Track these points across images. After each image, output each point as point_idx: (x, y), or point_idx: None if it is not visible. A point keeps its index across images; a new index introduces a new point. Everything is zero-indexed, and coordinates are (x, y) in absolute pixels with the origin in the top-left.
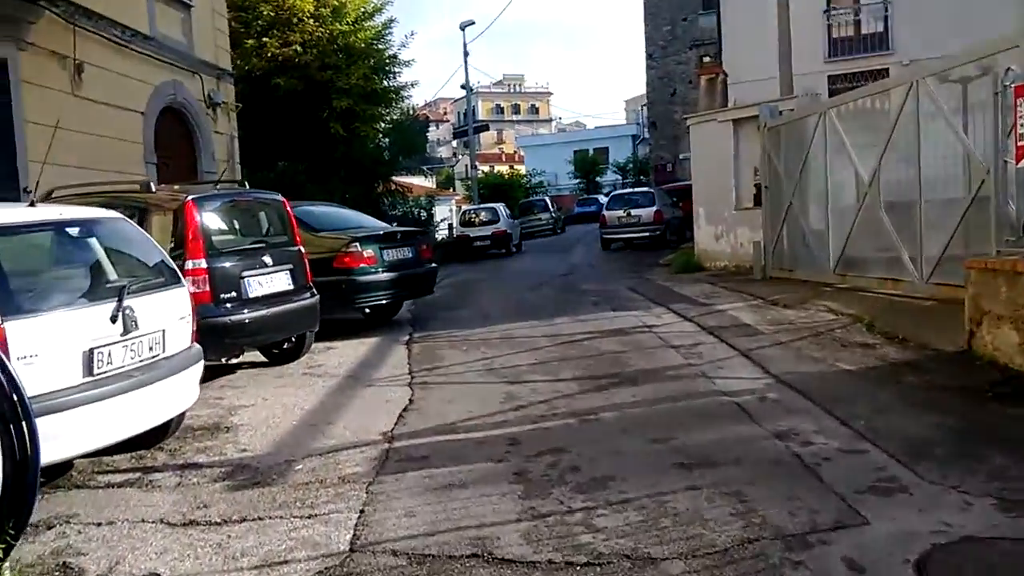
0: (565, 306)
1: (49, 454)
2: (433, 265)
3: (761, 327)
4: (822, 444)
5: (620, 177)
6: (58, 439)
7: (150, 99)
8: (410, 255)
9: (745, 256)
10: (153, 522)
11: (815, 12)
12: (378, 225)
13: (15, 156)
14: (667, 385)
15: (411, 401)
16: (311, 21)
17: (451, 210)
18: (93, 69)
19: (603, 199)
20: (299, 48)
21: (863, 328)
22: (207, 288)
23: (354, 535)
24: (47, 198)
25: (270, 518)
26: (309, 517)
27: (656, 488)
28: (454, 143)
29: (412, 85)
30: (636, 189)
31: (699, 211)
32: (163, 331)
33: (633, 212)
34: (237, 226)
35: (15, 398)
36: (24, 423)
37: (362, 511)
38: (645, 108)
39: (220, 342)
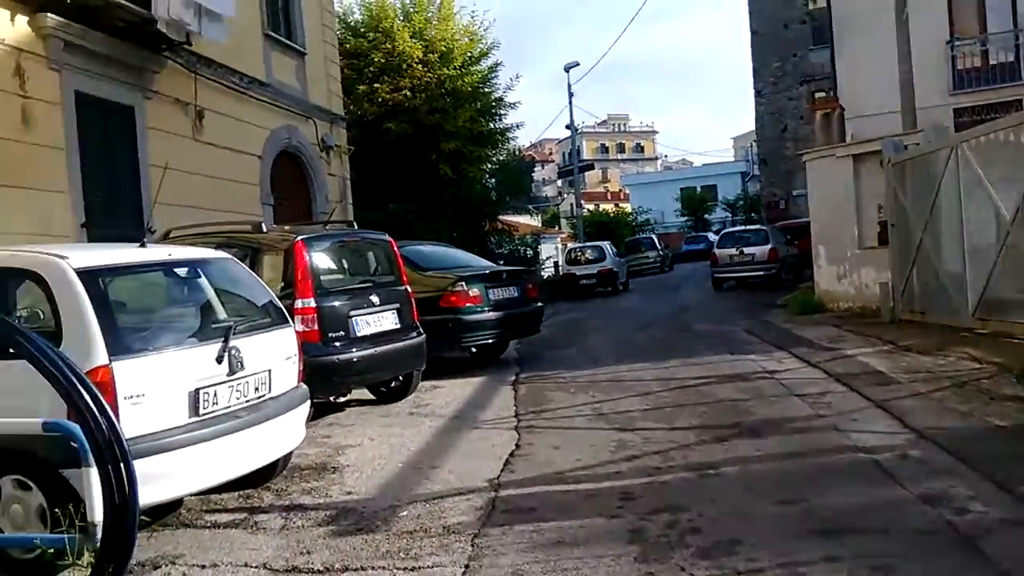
0: (677, 348)
1: (155, 494)
2: (539, 304)
3: (895, 375)
4: (980, 512)
5: (729, 214)
6: (164, 479)
7: (266, 143)
8: (516, 294)
9: (870, 297)
10: (256, 567)
11: (938, 44)
12: (484, 264)
13: (141, 198)
14: (794, 438)
15: (518, 446)
16: (420, 67)
17: (556, 248)
18: (213, 115)
19: (712, 237)
20: (408, 93)
21: (1013, 379)
22: (316, 327)
23: None
24: (164, 238)
25: (372, 568)
26: (412, 570)
27: (790, 557)
28: (559, 182)
29: (518, 126)
30: (749, 227)
31: (819, 250)
32: (269, 371)
33: (746, 250)
34: (345, 266)
35: (113, 440)
36: (122, 465)
37: (467, 567)
38: (754, 144)
39: (328, 381)
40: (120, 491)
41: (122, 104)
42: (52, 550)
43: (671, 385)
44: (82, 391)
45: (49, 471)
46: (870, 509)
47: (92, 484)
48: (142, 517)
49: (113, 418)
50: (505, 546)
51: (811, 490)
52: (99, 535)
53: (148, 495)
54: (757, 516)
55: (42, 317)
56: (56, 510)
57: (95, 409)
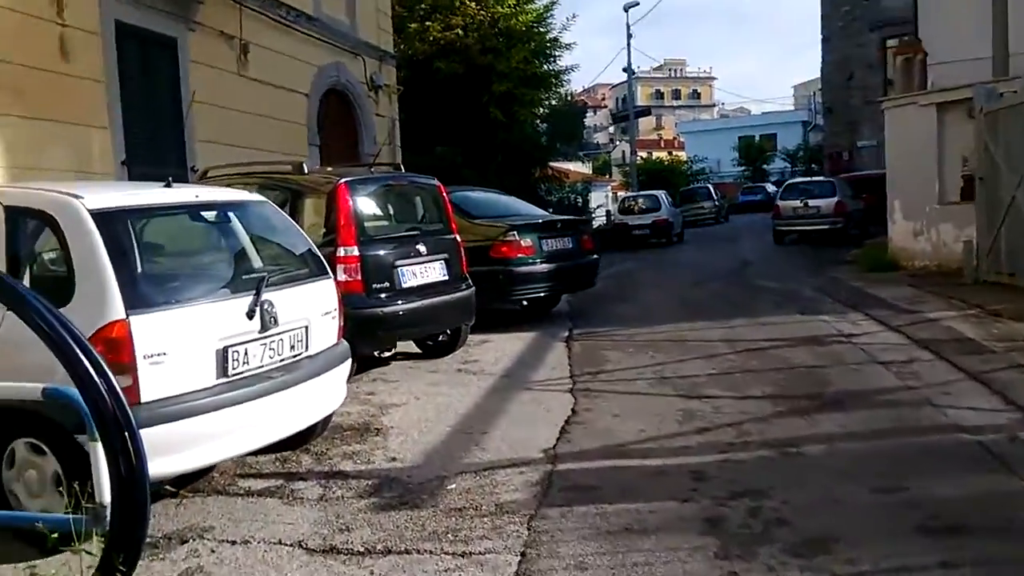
0: (741, 305)
1: (178, 464)
2: (595, 256)
3: (989, 344)
4: None
5: (789, 165)
6: (189, 448)
7: (313, 80)
8: (571, 245)
9: (950, 256)
10: (290, 545)
11: None
12: (537, 213)
13: (183, 135)
14: (883, 413)
15: (574, 412)
16: (472, 4)
17: (607, 197)
18: (258, 50)
19: (771, 188)
20: (460, 32)
21: None
22: (359, 277)
23: None
24: (202, 178)
25: (418, 552)
26: (462, 555)
27: (898, 560)
28: (611, 129)
29: (571, 69)
30: (814, 178)
31: (894, 204)
32: (306, 327)
33: (811, 203)
34: (391, 212)
35: (116, 410)
36: (127, 437)
37: (523, 554)
38: (818, 93)
39: (372, 335)
40: (127, 467)
41: (165, 36)
42: (56, 534)
43: (738, 347)
44: (80, 355)
45: (62, 436)
46: (984, 503)
47: (99, 459)
48: (168, 487)
49: (116, 385)
50: (565, 532)
51: (912, 476)
52: (108, 518)
53: (170, 465)
54: (852, 506)
55: (55, 264)
56: (74, 482)
57: (95, 375)
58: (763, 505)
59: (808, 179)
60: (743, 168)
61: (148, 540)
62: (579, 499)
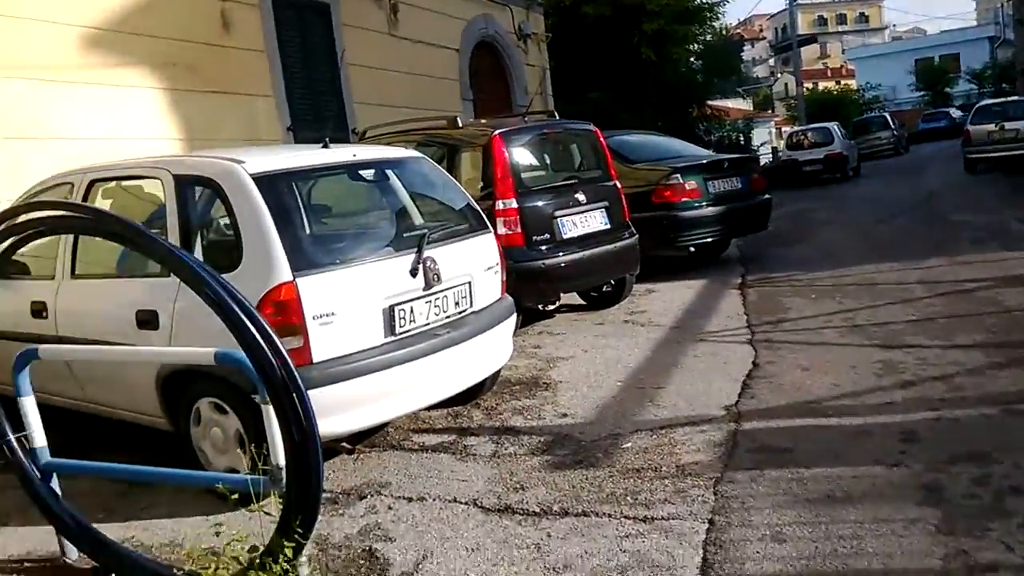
0: (934, 243)
1: (350, 423)
2: (766, 196)
3: None
4: None
5: (975, 87)
6: (360, 407)
7: (463, 34)
8: (739, 185)
9: None
10: (466, 503)
11: None
12: (701, 153)
13: (342, 98)
14: None
15: (756, 365)
16: None
17: (770, 133)
18: (407, 8)
19: (955, 113)
20: None
21: None
22: (519, 230)
23: (704, 559)
24: (361, 138)
25: (596, 515)
26: (643, 520)
27: None
28: (771, 61)
29: (725, 1)
30: (1009, 98)
31: None
32: (469, 283)
33: (1008, 125)
34: (548, 161)
35: (284, 374)
36: (297, 401)
37: (711, 521)
38: (1006, 4)
39: (535, 288)
40: (298, 430)
41: (318, 2)
42: (235, 495)
43: (939, 290)
44: (245, 320)
45: (241, 396)
46: None
47: (271, 422)
48: (344, 444)
49: (282, 348)
50: (757, 498)
51: None
52: (283, 480)
53: (343, 424)
54: None
55: (223, 230)
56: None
57: (260, 339)
58: (991, 473)
59: (1002, 100)
60: (922, 94)
61: (328, 495)
62: (770, 462)
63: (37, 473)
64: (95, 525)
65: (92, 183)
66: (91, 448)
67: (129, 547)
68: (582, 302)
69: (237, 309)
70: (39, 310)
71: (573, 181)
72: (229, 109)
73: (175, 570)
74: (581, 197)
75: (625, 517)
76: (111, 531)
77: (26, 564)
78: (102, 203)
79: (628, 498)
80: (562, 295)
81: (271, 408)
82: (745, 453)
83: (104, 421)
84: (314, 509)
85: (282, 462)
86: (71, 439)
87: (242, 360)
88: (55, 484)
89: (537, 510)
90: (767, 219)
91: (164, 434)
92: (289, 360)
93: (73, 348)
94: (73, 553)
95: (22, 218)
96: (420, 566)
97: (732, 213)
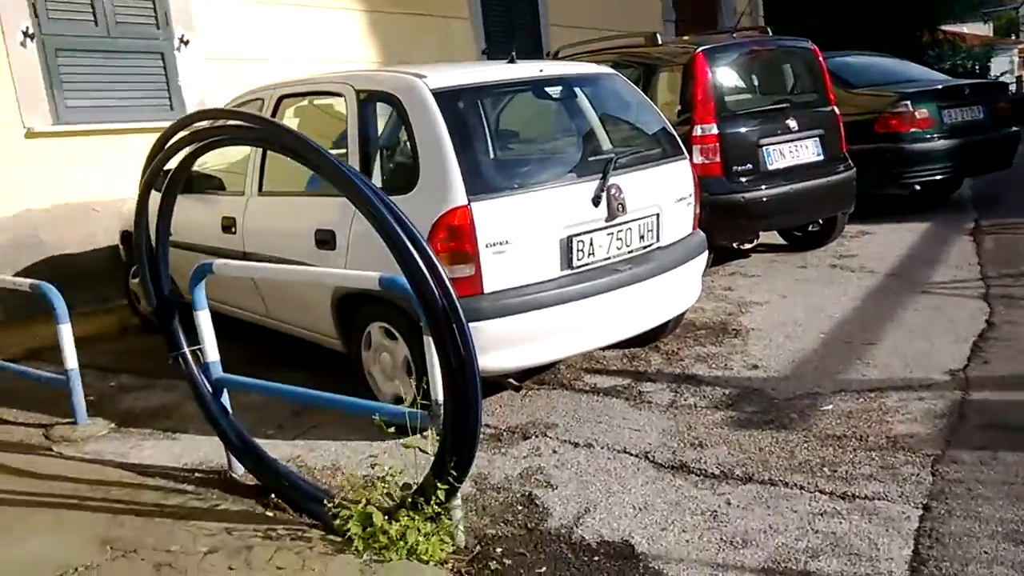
0: None
1: (520, 359)
2: (1013, 129)
3: None
4: None
5: None
6: (531, 342)
7: None
8: (980, 116)
9: None
10: (636, 455)
11: None
12: (935, 78)
13: (538, 20)
14: None
15: (990, 324)
16: None
17: (1012, 62)
18: None
19: None
20: None
21: None
22: (718, 159)
23: (916, 552)
24: (553, 58)
25: (785, 485)
26: (843, 498)
27: None
28: None
29: None
30: None
31: None
32: (657, 215)
33: None
34: (756, 82)
35: (447, 306)
36: (458, 336)
37: (926, 508)
38: None
39: (732, 224)
40: (458, 364)
41: None
42: (392, 428)
43: None
44: (409, 245)
45: (411, 323)
46: None
47: (432, 354)
48: (511, 380)
49: (445, 277)
50: (987, 485)
51: None
52: (441, 416)
53: (512, 360)
54: None
55: (402, 149)
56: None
57: (424, 267)
58: None
59: None
60: None
61: (492, 431)
62: (1006, 442)
63: (209, 387)
64: (265, 441)
65: (281, 99)
66: (277, 363)
67: (291, 467)
68: (783, 241)
69: (401, 232)
70: (229, 225)
71: (784, 105)
72: (426, 31)
73: (328, 500)
74: (792, 124)
75: (820, 491)
76: (279, 448)
77: (196, 474)
78: (291, 120)
79: (825, 469)
80: (761, 233)
81: (430, 340)
82: (974, 429)
83: (288, 336)
84: (470, 452)
85: (441, 398)
86: (259, 353)
87: (405, 286)
88: (225, 399)
89: (716, 472)
90: (1012, 155)
91: (342, 355)
92: (451, 290)
93: (244, 264)
94: (239, 469)
95: (197, 126)
96: (581, 520)
97: (969, 147)
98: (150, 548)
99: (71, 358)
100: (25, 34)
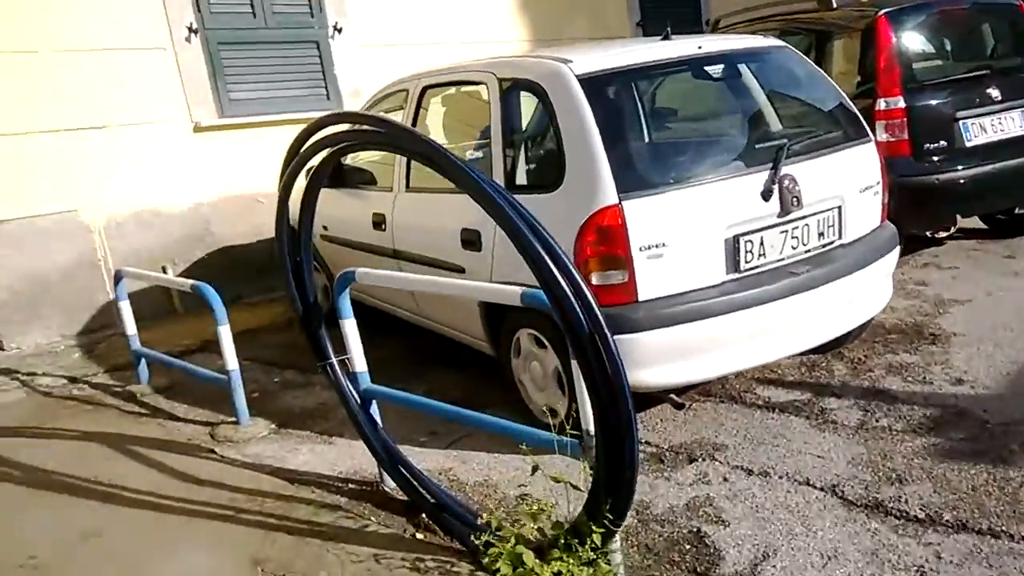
0: None
1: (683, 374)
2: None
3: None
4: None
5: None
6: (695, 356)
7: None
8: None
9: None
10: (822, 489)
11: None
12: None
13: None
14: None
15: None
16: None
17: None
18: None
19: None
20: None
21: None
22: (905, 136)
23: None
24: (713, 29)
25: (1009, 537)
26: None
27: None
28: None
29: None
30: None
31: None
32: (839, 208)
33: None
34: (949, 47)
35: (591, 327)
36: (606, 359)
37: None
38: None
39: (924, 210)
40: (607, 395)
41: None
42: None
43: None
44: (544, 256)
45: (559, 333)
46: None
47: (580, 382)
48: (672, 395)
49: (590, 298)
50: None
51: None
52: (593, 449)
53: (672, 376)
54: None
55: (548, 142)
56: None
57: (566, 286)
58: None
59: None
60: None
61: (653, 450)
62: None
63: (357, 398)
64: (417, 449)
65: (425, 89)
66: (431, 361)
67: (442, 483)
68: (983, 227)
69: (535, 242)
70: (379, 221)
71: (984, 72)
72: (576, 6)
73: (476, 530)
74: (995, 93)
75: None
76: (431, 458)
77: (349, 485)
78: (437, 110)
79: None
80: (959, 218)
81: (575, 365)
82: None
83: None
84: (627, 495)
85: (592, 428)
86: (414, 349)
87: (546, 302)
88: (375, 410)
89: (920, 515)
90: None
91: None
92: (598, 312)
93: (383, 274)
94: (391, 482)
95: (329, 131)
96: (758, 568)
97: None
98: (299, 574)
99: (231, 360)
100: (189, 29)
